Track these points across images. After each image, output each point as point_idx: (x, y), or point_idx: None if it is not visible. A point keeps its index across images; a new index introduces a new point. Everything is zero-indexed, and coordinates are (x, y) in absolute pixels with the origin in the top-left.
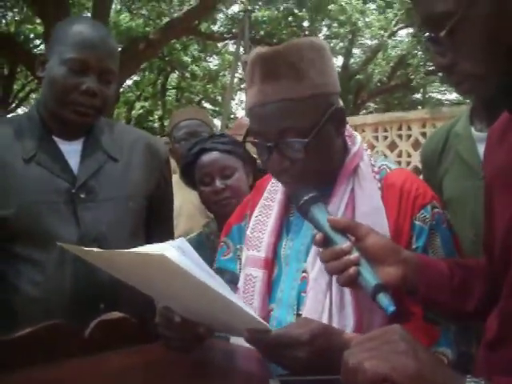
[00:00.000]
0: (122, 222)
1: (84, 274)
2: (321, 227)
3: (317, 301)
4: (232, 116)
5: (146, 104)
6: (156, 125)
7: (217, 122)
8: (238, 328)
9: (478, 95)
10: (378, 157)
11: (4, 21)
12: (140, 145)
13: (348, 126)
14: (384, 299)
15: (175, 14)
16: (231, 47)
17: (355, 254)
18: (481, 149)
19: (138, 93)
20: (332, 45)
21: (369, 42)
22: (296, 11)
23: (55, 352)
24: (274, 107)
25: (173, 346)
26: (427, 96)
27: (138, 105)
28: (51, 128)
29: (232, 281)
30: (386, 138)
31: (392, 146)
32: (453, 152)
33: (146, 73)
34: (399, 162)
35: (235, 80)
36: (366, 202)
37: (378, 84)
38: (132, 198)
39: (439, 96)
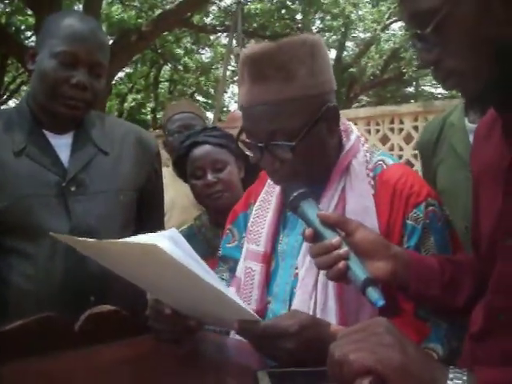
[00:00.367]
0: (113, 215)
1: (75, 267)
2: (311, 223)
3: (303, 300)
4: (225, 109)
5: (139, 96)
6: (148, 117)
7: (209, 115)
8: (229, 320)
9: (464, 91)
10: (376, 151)
11: None
12: (130, 138)
13: (344, 120)
14: (373, 293)
15: (168, 6)
16: (224, 40)
17: (344, 249)
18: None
19: (131, 85)
20: (325, 38)
21: (362, 36)
22: (289, 4)
23: (46, 345)
24: (261, 109)
25: (163, 338)
26: (420, 89)
27: (130, 97)
28: (41, 121)
29: (235, 269)
30: (378, 131)
31: (384, 140)
32: (447, 143)
33: (139, 65)
34: None
35: (228, 73)
36: (356, 202)
37: (371, 77)
38: (122, 192)
39: (432, 89)
